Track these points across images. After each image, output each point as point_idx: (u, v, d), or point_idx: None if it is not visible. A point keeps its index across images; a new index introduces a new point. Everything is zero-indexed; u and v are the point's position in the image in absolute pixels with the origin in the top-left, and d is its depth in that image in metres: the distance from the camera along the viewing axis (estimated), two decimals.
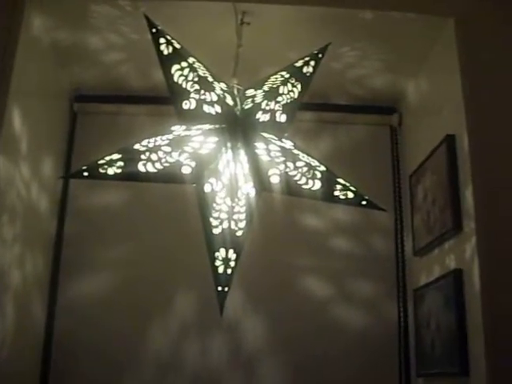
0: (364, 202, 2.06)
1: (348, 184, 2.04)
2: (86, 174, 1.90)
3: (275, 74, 2.11)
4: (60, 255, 2.80)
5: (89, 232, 2.84)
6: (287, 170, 2.00)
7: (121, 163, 1.90)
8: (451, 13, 2.34)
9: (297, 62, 2.11)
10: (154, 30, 1.95)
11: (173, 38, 1.96)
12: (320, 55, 2.13)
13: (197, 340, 2.69)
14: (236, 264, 1.98)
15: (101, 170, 1.90)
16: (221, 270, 1.96)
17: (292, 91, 2.10)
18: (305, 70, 2.11)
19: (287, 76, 2.08)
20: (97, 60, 2.74)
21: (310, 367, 2.69)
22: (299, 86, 2.10)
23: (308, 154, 2.05)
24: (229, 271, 1.97)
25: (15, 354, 2.36)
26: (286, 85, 2.08)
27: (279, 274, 2.77)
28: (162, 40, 1.96)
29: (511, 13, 2.32)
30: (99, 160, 1.89)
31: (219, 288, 1.95)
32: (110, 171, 1.90)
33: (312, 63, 2.12)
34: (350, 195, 2.04)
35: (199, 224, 1.96)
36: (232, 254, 1.98)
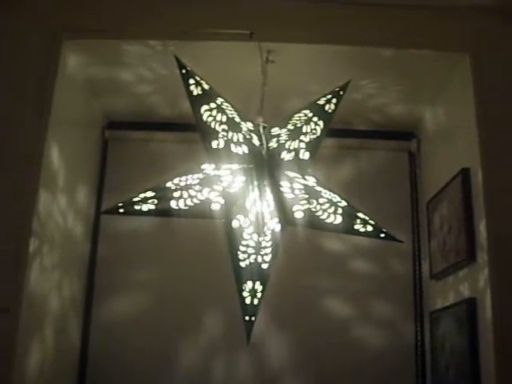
0: (382, 235, 2.17)
1: (367, 218, 2.15)
2: (121, 210, 2.04)
3: (299, 112, 2.22)
4: (94, 278, 2.95)
5: (120, 256, 2.98)
6: (310, 206, 2.13)
7: (154, 200, 2.04)
8: (466, 49, 2.43)
9: (319, 99, 2.22)
10: (183, 71, 2.09)
11: (202, 79, 2.09)
12: (341, 92, 2.26)
13: (224, 358, 2.82)
14: (262, 295, 2.11)
15: (136, 207, 2.03)
16: (248, 300, 2.09)
17: (315, 129, 2.22)
18: (327, 107, 2.23)
19: (310, 115, 2.20)
20: (128, 91, 2.88)
21: (331, 382, 2.81)
22: (321, 124, 2.22)
23: (330, 190, 2.17)
24: (255, 302, 2.10)
25: (54, 373, 2.52)
26: (309, 124, 2.20)
27: (302, 295, 2.90)
28: (191, 80, 2.09)
29: None
30: (134, 197, 2.02)
31: (246, 318, 2.09)
32: (144, 208, 2.03)
33: (334, 100, 2.24)
34: (369, 228, 2.16)
35: (225, 253, 2.09)
36: (258, 286, 2.10)
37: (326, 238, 2.96)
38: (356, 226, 2.15)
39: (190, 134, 2.88)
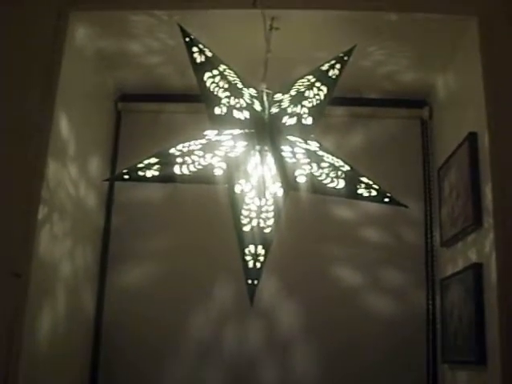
0: (386, 200, 2.17)
1: (371, 182, 2.15)
2: (126, 176, 2.08)
3: (302, 77, 2.22)
4: (107, 248, 3.01)
5: (133, 225, 3.03)
6: (312, 170, 2.13)
7: (158, 166, 2.07)
8: (473, 12, 2.39)
9: (323, 65, 2.22)
10: (187, 39, 2.11)
11: (205, 47, 2.11)
12: (345, 58, 2.24)
13: (234, 327, 2.86)
14: (265, 259, 2.13)
15: (140, 173, 2.06)
16: (250, 264, 2.11)
17: (318, 94, 2.22)
18: (331, 73, 2.21)
19: (313, 80, 2.20)
20: (138, 63, 2.91)
21: (341, 351, 2.83)
22: (325, 89, 2.22)
23: (333, 154, 2.17)
24: (258, 266, 2.12)
25: (68, 338, 2.59)
26: (312, 89, 2.20)
27: (312, 263, 2.91)
28: (194, 48, 2.11)
29: None
30: (138, 163, 2.05)
31: (249, 281, 2.11)
32: (149, 174, 2.07)
33: (338, 66, 2.22)
34: (374, 193, 2.16)
35: (230, 221, 2.12)
36: (261, 250, 2.13)
37: (336, 204, 2.96)
38: (359, 191, 2.15)
39: (201, 104, 2.93)
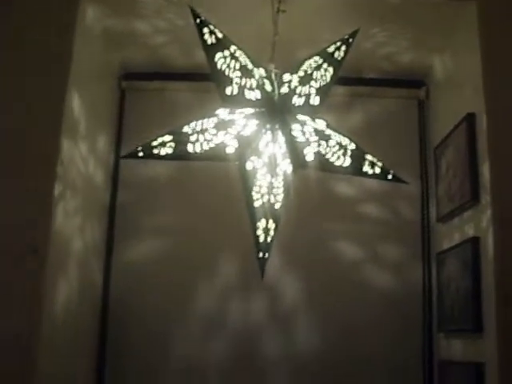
0: (390, 177, 2.28)
1: (375, 160, 2.26)
2: (140, 154, 2.15)
3: (309, 59, 2.30)
4: (114, 223, 3.09)
5: (139, 201, 3.11)
6: (320, 148, 2.23)
7: (171, 144, 2.15)
8: None
9: (329, 47, 2.30)
10: (198, 21, 2.17)
11: (216, 28, 2.18)
12: (350, 40, 2.33)
13: (239, 298, 2.97)
14: (275, 233, 2.23)
15: (154, 151, 2.14)
16: (261, 238, 2.21)
17: (324, 75, 2.30)
18: (336, 54, 2.30)
19: (320, 62, 2.28)
20: (144, 43, 2.97)
21: (342, 321, 2.95)
22: (331, 70, 2.30)
23: (340, 133, 2.27)
24: (268, 240, 2.22)
25: (80, 310, 2.68)
26: (319, 70, 2.28)
27: (314, 238, 3.03)
28: (205, 30, 2.17)
29: None
30: (152, 141, 2.12)
31: (260, 255, 2.21)
32: (162, 152, 2.14)
33: (343, 48, 2.31)
34: (377, 170, 2.27)
35: (240, 196, 2.21)
36: (271, 224, 2.22)
37: (338, 182, 3.07)
38: (364, 169, 2.25)
39: (204, 83, 2.99)
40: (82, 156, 2.68)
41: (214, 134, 2.18)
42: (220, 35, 2.18)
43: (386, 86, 3.23)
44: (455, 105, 2.74)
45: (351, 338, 2.93)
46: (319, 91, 2.28)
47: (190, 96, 3.18)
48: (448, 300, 2.64)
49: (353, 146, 2.25)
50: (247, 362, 2.92)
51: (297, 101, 2.24)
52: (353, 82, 3.17)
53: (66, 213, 2.49)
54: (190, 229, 3.04)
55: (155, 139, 2.13)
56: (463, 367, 2.43)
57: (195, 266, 3.00)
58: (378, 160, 2.26)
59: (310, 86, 2.26)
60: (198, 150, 2.16)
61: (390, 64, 3.10)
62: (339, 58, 2.31)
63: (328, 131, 2.25)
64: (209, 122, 2.19)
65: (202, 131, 2.17)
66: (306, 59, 2.29)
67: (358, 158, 2.24)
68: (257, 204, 2.21)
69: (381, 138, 3.09)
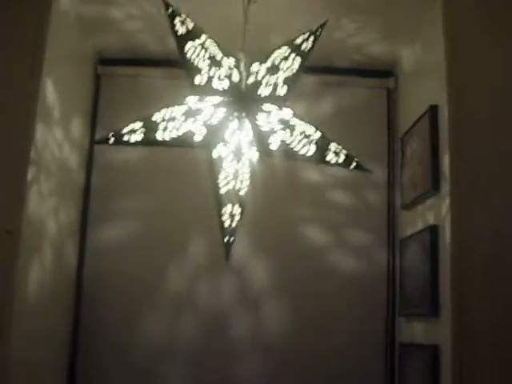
0: (353, 165, 2.35)
1: (340, 149, 2.33)
2: (111, 140, 2.21)
3: (277, 49, 2.36)
4: (88, 206, 3.16)
5: (113, 185, 3.19)
6: (285, 137, 2.31)
7: (141, 131, 2.21)
8: None
9: (297, 38, 2.36)
10: (169, 11, 2.24)
11: (187, 17, 2.24)
12: (318, 32, 2.39)
13: (208, 281, 3.06)
14: (240, 218, 2.31)
15: (125, 138, 2.21)
16: (227, 223, 2.29)
17: (292, 65, 2.37)
18: (304, 46, 2.35)
19: (288, 52, 2.35)
20: (118, 29, 3.02)
21: (308, 304, 3.05)
22: (299, 60, 2.37)
23: (305, 122, 2.34)
24: (234, 224, 2.29)
25: (53, 291, 2.75)
26: (286, 60, 2.35)
27: (282, 224, 3.12)
28: (176, 20, 2.23)
29: None
30: (123, 129, 2.19)
31: (225, 239, 2.29)
32: (133, 138, 2.20)
33: (311, 39, 2.37)
34: (341, 159, 2.34)
35: (206, 183, 2.28)
36: (237, 209, 2.30)
37: (306, 169, 3.15)
38: (328, 157, 2.32)
39: (178, 69, 3.04)
40: (57, 140, 2.73)
41: (183, 121, 2.24)
42: (191, 25, 2.23)
43: (356, 76, 3.31)
44: (421, 95, 2.82)
45: (317, 320, 3.03)
46: (286, 81, 2.35)
47: (163, 82, 3.25)
48: (409, 285, 2.75)
49: (318, 135, 2.31)
50: (217, 343, 3.01)
51: (264, 91, 2.30)
52: (323, 71, 3.24)
53: (41, 196, 2.55)
54: (161, 212, 3.12)
55: (125, 127, 2.19)
56: (421, 349, 2.54)
57: (166, 248, 3.09)
58: (343, 149, 2.32)
59: (278, 77, 2.33)
60: (167, 137, 2.23)
61: (360, 54, 3.18)
62: (307, 50, 2.36)
63: (293, 120, 2.31)
64: (178, 110, 2.25)
65: (172, 119, 2.23)
66: (274, 49, 2.35)
67: (322, 146, 2.30)
68: (223, 190, 2.28)
69: (350, 126, 3.18)
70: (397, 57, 3.18)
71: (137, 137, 2.21)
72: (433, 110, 2.56)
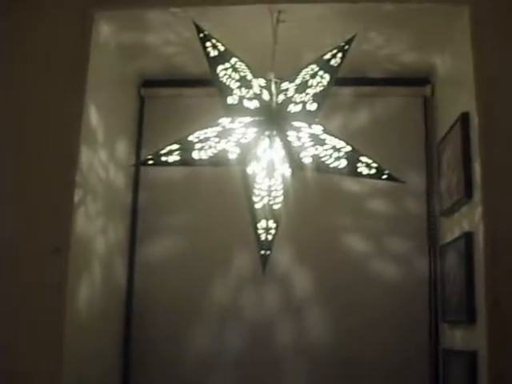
0: (384, 176, 2.40)
1: (370, 161, 2.38)
2: (150, 162, 2.35)
3: (306, 67, 2.44)
4: (136, 224, 3.31)
5: (158, 203, 3.33)
6: (316, 152, 2.38)
7: (178, 152, 2.33)
8: (465, 1, 2.58)
9: (325, 54, 2.43)
10: (201, 35, 2.36)
11: (218, 41, 2.35)
12: (346, 47, 2.45)
13: (252, 292, 3.15)
14: (276, 232, 2.40)
15: (163, 158, 2.34)
16: (263, 237, 2.38)
17: (321, 82, 2.44)
18: (332, 61, 2.42)
19: (316, 69, 2.42)
20: (157, 53, 3.15)
21: (350, 312, 3.09)
22: (327, 76, 2.44)
23: (336, 137, 2.40)
24: (269, 238, 2.39)
25: (103, 308, 2.89)
26: (315, 77, 2.43)
27: (322, 234, 3.17)
28: (208, 43, 2.36)
29: None
30: (161, 150, 2.32)
31: (262, 252, 2.39)
32: (170, 159, 2.34)
33: (339, 55, 2.44)
34: (373, 171, 2.39)
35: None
36: (272, 224, 2.40)
37: (345, 180, 3.17)
38: (359, 169, 2.38)
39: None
40: (102, 162, 2.88)
41: (216, 142, 2.35)
42: (222, 48, 2.36)
43: (391, 85, 3.34)
44: (455, 102, 2.83)
45: (360, 328, 3.06)
46: (316, 97, 2.42)
47: (204, 100, 3.32)
48: (448, 291, 2.77)
49: (348, 148, 2.38)
50: (262, 352, 3.09)
51: (293, 108, 2.39)
52: (357, 82, 3.29)
53: (88, 216, 2.70)
54: (203, 228, 3.23)
55: (163, 148, 2.32)
56: (461, 356, 2.56)
57: (210, 263, 3.18)
58: (374, 161, 2.38)
59: (307, 94, 2.41)
60: (202, 156, 2.34)
61: (393, 64, 3.20)
62: (335, 65, 2.43)
63: (323, 136, 2.38)
64: (212, 131, 2.36)
65: (206, 139, 2.34)
66: (302, 68, 2.43)
67: (353, 159, 2.36)
68: (258, 206, 2.38)
69: (386, 135, 3.22)
70: (431, 64, 3.20)
71: (174, 157, 2.34)
72: (464, 117, 2.58)
